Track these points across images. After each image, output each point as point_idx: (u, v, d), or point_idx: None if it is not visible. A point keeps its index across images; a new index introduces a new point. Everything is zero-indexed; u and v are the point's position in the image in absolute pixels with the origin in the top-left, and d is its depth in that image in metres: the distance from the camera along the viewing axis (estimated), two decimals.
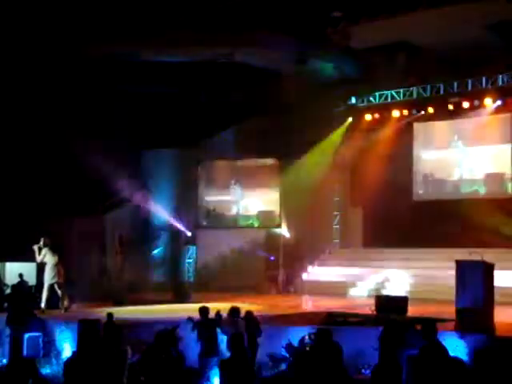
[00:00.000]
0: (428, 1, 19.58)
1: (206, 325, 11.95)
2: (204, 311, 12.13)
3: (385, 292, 20.39)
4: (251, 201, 26.35)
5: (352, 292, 21.96)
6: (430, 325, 8.74)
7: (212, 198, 26.93)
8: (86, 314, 15.37)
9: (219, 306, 12.99)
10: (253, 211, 26.36)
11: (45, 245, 16.97)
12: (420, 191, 24.22)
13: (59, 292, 16.82)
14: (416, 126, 24.26)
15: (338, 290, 21.78)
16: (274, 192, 25.55)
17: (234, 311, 12.02)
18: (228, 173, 26.83)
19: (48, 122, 22.50)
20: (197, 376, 11.27)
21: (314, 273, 24.22)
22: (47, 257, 16.97)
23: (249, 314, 12.30)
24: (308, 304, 20.35)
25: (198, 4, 20.00)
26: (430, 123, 24.00)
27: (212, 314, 12.32)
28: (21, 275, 21.66)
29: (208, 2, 19.87)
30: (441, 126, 23.94)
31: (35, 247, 17.00)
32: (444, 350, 8.47)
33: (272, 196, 25.67)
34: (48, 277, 16.89)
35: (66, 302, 16.86)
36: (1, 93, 22.33)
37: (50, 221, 22.13)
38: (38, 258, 17.05)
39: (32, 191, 23.40)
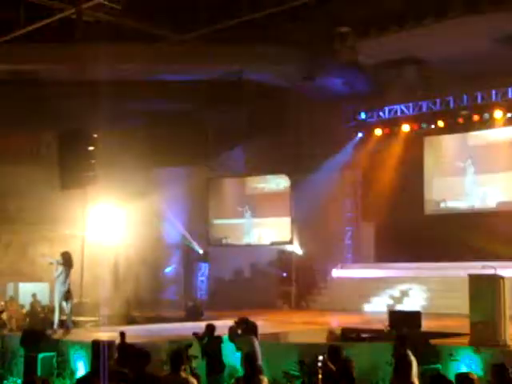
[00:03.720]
0: (436, 14, 19.60)
1: (210, 342, 11.94)
2: (210, 329, 12.11)
3: (399, 307, 20.27)
4: (264, 230, 26.10)
5: (366, 307, 21.85)
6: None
7: (222, 221, 26.87)
8: (100, 332, 15.37)
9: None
10: (265, 239, 26.01)
11: (62, 261, 16.32)
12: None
13: (66, 309, 16.41)
14: (426, 140, 24.29)
15: (351, 305, 21.70)
16: (284, 212, 25.41)
17: (250, 328, 11.94)
18: (238, 193, 26.83)
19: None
20: None
21: (328, 288, 24.15)
22: (61, 275, 16.28)
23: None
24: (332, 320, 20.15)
25: (207, 21, 20.14)
26: (441, 138, 24.03)
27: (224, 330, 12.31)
28: (34, 295, 21.75)
29: (216, 19, 19.99)
30: (452, 143, 23.98)
31: (54, 261, 16.58)
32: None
33: (283, 220, 25.46)
34: (57, 296, 16.35)
35: (71, 319, 16.55)
36: None
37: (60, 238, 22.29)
38: (55, 274, 16.42)
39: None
